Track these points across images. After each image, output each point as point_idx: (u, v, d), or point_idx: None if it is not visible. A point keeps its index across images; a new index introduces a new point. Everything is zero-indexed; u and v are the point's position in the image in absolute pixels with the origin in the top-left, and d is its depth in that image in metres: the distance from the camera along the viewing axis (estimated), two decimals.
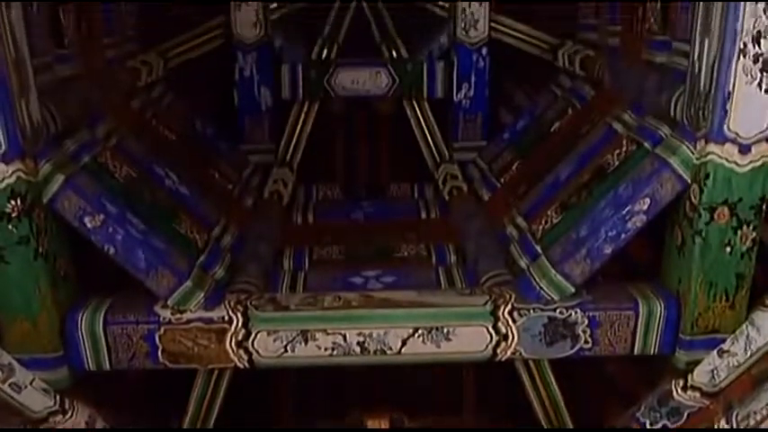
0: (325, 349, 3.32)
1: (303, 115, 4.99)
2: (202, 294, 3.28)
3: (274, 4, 4.84)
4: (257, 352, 3.31)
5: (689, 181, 3.22)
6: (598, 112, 4.17)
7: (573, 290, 3.38)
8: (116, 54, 4.25)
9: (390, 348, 3.34)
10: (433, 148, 5.04)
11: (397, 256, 4.07)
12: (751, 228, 3.19)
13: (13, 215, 2.96)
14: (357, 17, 4.95)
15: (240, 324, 3.27)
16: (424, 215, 4.71)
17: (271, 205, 4.70)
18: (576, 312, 3.35)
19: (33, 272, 3.06)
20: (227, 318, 3.27)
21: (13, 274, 3.04)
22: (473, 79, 4.93)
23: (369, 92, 4.95)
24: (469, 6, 4.79)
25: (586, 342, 3.37)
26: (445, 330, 3.33)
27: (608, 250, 3.33)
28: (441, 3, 4.90)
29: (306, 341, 3.30)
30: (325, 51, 4.96)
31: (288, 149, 4.99)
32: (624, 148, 3.66)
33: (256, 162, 4.96)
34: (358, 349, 3.32)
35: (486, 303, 3.36)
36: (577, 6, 4.80)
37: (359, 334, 3.31)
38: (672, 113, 3.38)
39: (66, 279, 3.25)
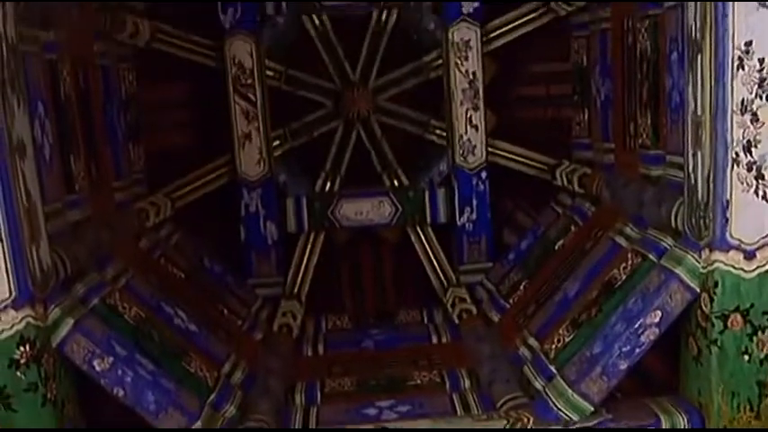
0: None
1: (309, 247, 5.04)
2: None
3: (277, 141, 5.00)
4: None
5: (698, 290, 3.22)
6: (600, 227, 4.22)
7: (592, 409, 3.31)
8: (125, 197, 4.35)
9: None
10: (440, 273, 5.06)
11: (410, 385, 4.01)
12: (767, 334, 3.16)
13: (22, 362, 2.95)
14: (357, 148, 5.09)
15: None
16: (434, 340, 4.66)
17: (280, 339, 4.67)
18: None
19: (41, 419, 3.01)
20: None
21: (21, 422, 2.99)
22: (474, 203, 5.00)
23: (373, 221, 5.03)
24: (466, 133, 4.93)
25: None
26: None
27: (623, 366, 3.29)
28: (438, 132, 5.04)
29: None
30: (328, 184, 5.06)
31: (295, 282, 5.01)
32: (630, 262, 3.67)
33: (265, 295, 4.97)
34: None
35: (504, 428, 3.28)
36: (570, 126, 4.93)
37: None
38: (673, 224, 3.42)
39: (75, 424, 3.19)
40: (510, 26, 4.89)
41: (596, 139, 4.65)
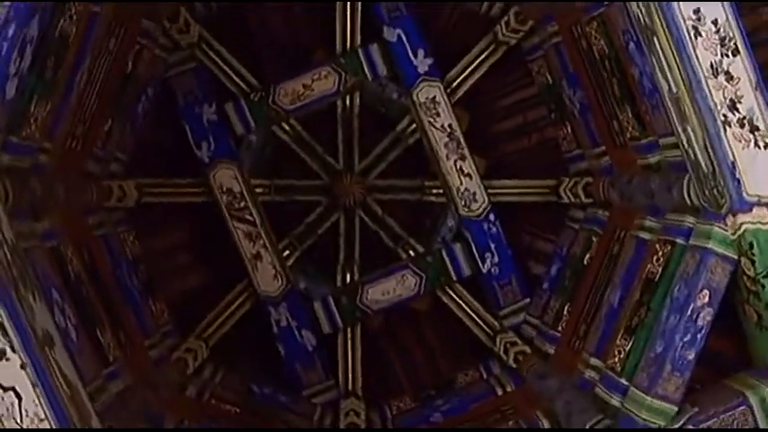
0: None
1: (349, 341, 5.00)
2: None
3: (286, 252, 5.03)
4: None
5: (735, 257, 3.18)
6: (620, 229, 4.19)
7: (675, 408, 3.23)
8: (159, 352, 4.34)
9: None
10: (483, 325, 5.00)
11: None
12: None
13: None
14: (364, 231, 5.11)
15: None
16: (500, 392, 4.59)
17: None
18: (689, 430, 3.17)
19: None
20: None
21: None
22: (492, 246, 4.99)
23: (402, 296, 5.00)
24: (462, 184, 4.95)
25: None
26: None
27: (691, 356, 3.23)
28: (435, 191, 5.07)
29: None
30: (347, 275, 5.06)
31: (347, 379, 4.95)
32: (660, 253, 3.64)
33: (323, 402, 4.91)
34: None
35: None
36: (558, 145, 4.95)
37: None
38: (688, 202, 3.40)
39: None
40: (468, 70, 4.96)
41: (586, 147, 4.67)
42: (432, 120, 4.93)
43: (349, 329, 5.00)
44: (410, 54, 4.89)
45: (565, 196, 4.90)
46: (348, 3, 4.86)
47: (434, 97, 4.92)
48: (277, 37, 5.06)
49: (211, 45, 4.83)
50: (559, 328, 4.53)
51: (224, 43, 4.85)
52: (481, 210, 4.97)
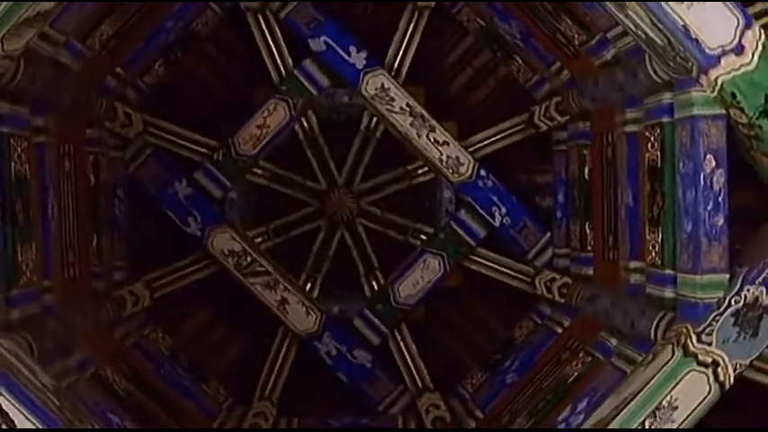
0: None
1: (401, 343, 5.01)
2: None
3: (308, 286, 5.05)
4: None
5: (723, 112, 3.16)
6: (606, 132, 4.19)
7: (727, 276, 3.22)
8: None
9: None
10: (517, 275, 4.97)
11: (572, 383, 3.98)
12: None
13: None
14: (370, 236, 5.11)
15: None
16: (559, 330, 4.61)
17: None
18: (747, 290, 3.16)
19: None
20: None
21: None
22: (495, 199, 4.98)
23: (431, 281, 4.99)
24: (442, 153, 4.94)
25: None
26: (665, 403, 3.14)
27: (720, 221, 3.25)
28: (420, 171, 5.07)
29: None
30: (373, 283, 5.07)
31: (414, 378, 4.96)
32: (652, 138, 3.65)
33: (401, 409, 4.92)
34: None
35: (674, 354, 3.19)
36: (514, 77, 4.95)
37: None
38: (659, 80, 3.39)
39: None
40: (403, 45, 4.94)
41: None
42: (389, 107, 4.92)
43: (396, 332, 5.00)
44: (343, 55, 4.89)
45: (542, 124, 4.89)
46: (267, 35, 4.86)
47: (382, 85, 4.91)
48: (214, 93, 5.06)
49: (158, 125, 4.84)
50: (589, 248, 4.52)
51: (168, 118, 4.85)
52: (470, 170, 4.96)
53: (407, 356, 5.00)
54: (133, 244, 4.81)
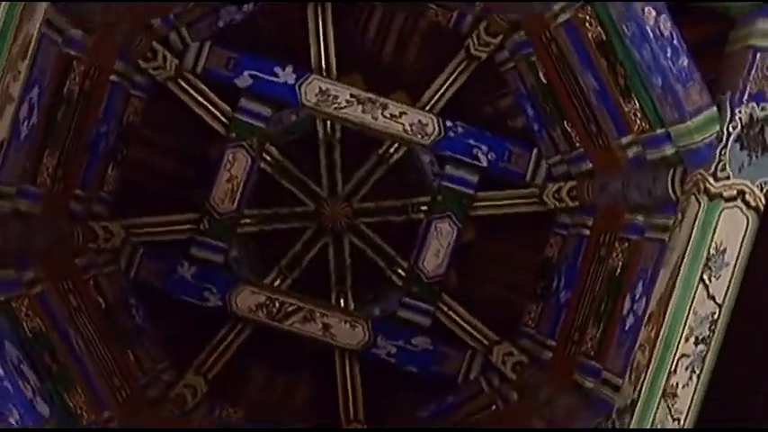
0: None
1: (451, 313, 5.03)
2: None
3: (340, 300, 5.06)
4: None
5: None
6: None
7: (714, 108, 3.22)
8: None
9: None
10: (529, 201, 4.95)
11: None
12: None
13: None
14: (371, 233, 5.13)
15: None
16: (587, 233, 4.58)
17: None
18: (739, 112, 3.17)
19: None
20: None
21: None
22: (472, 142, 4.95)
23: (450, 244, 4.97)
24: (404, 125, 4.92)
25: None
26: (713, 251, 3.16)
27: (685, 61, 3.25)
28: (391, 150, 5.06)
29: None
30: (399, 271, 5.08)
31: (478, 339, 4.98)
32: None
33: (479, 371, 4.94)
34: None
35: (700, 203, 3.20)
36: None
37: None
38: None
39: None
40: (321, 44, 4.94)
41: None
42: (335, 105, 4.92)
43: (440, 304, 5.00)
44: (271, 79, 4.87)
45: (480, 52, 4.89)
46: (195, 95, 4.86)
47: (320, 88, 4.91)
48: (171, 170, 5.04)
49: (136, 225, 4.84)
50: (578, 145, 4.53)
51: (141, 213, 4.85)
52: (436, 127, 4.95)
53: (461, 322, 5.01)
54: (166, 341, 4.82)
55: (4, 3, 2.86)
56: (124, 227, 4.80)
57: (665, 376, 3.19)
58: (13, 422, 2.91)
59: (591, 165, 4.54)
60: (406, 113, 4.94)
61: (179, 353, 4.86)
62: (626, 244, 4.02)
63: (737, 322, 3.20)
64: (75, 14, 3.60)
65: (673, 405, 3.19)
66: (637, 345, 3.33)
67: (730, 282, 3.17)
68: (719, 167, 3.16)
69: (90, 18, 3.72)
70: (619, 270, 4.01)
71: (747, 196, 3.15)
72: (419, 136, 4.95)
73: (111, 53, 4.23)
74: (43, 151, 3.78)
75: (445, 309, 5.02)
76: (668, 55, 3.22)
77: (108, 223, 4.73)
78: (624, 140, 3.93)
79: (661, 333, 3.19)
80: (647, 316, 3.34)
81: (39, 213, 3.84)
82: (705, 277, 3.17)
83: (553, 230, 4.99)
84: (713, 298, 3.17)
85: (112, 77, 4.34)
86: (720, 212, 3.16)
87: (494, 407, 4.62)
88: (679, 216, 3.31)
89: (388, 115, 4.93)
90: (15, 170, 3.45)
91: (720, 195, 3.16)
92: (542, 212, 4.95)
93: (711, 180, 3.16)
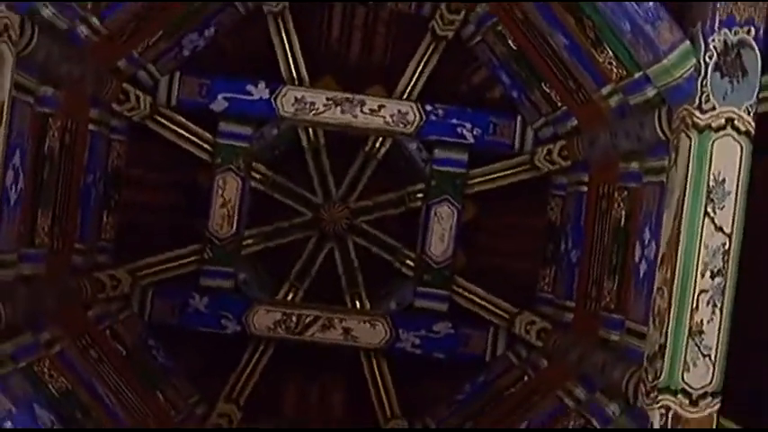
0: None
1: (467, 294, 5.03)
2: None
3: (356, 303, 5.06)
4: None
5: None
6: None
7: (687, 42, 3.20)
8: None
9: None
10: (524, 167, 4.94)
11: None
12: None
13: None
14: (363, 246, 5.12)
15: None
16: (585, 185, 4.58)
17: None
18: (713, 41, 3.16)
19: None
20: None
21: None
22: (454, 122, 4.95)
23: (452, 227, 4.99)
24: (384, 118, 4.92)
25: None
26: (712, 183, 3.16)
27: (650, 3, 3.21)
28: (377, 145, 5.05)
29: None
30: (408, 262, 5.08)
31: (502, 316, 4.98)
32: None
33: (506, 344, 4.95)
34: None
35: (690, 138, 3.19)
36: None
37: None
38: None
39: None
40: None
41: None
42: (314, 111, 4.91)
43: (454, 287, 5.01)
44: (246, 98, 4.88)
45: (446, 31, 4.88)
46: (175, 129, 4.86)
47: (295, 97, 4.90)
48: (165, 204, 5.03)
49: (141, 266, 4.85)
50: (559, 104, 4.54)
51: (145, 254, 4.85)
52: (416, 114, 4.95)
53: (478, 300, 5.02)
54: (192, 375, 4.82)
55: None
56: (130, 271, 4.80)
57: (689, 315, 3.19)
58: None
59: (576, 121, 4.54)
60: (384, 106, 4.94)
61: (207, 384, 4.86)
62: (625, 193, 4.02)
63: (751, 248, 3.20)
64: (42, 72, 3.60)
65: (701, 342, 3.19)
66: (654, 289, 3.33)
67: (735, 210, 3.17)
68: (703, 99, 3.16)
69: (56, 71, 3.72)
70: (623, 220, 4.01)
71: (736, 122, 3.15)
72: (402, 126, 4.95)
73: (84, 103, 4.23)
74: (36, 212, 3.78)
75: (460, 290, 5.03)
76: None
77: (113, 271, 4.73)
78: (604, 91, 3.93)
79: (676, 273, 3.19)
80: (659, 259, 3.34)
81: (43, 274, 3.84)
82: (709, 210, 3.17)
83: (551, 193, 4.99)
84: (721, 229, 3.17)
85: (90, 127, 4.35)
86: (713, 143, 3.16)
87: (525, 377, 4.61)
88: (672, 155, 3.31)
89: (368, 111, 4.93)
90: (11, 236, 3.45)
91: (709, 126, 3.15)
92: (538, 177, 4.96)
93: (698, 113, 3.16)
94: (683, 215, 3.19)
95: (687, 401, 3.19)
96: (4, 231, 3.32)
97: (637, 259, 3.72)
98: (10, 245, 3.45)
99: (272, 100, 4.88)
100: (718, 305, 3.18)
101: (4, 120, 3.08)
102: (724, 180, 3.17)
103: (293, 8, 4.91)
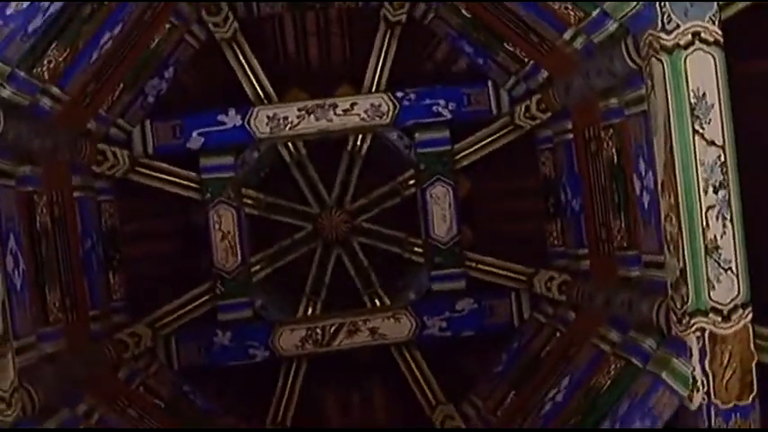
0: None
1: (482, 265, 5.04)
2: None
3: (375, 300, 5.07)
4: None
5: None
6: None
7: None
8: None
9: None
10: (510, 127, 4.93)
11: None
12: None
13: None
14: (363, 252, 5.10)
15: None
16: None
17: None
18: None
19: None
20: None
21: None
22: (429, 102, 4.93)
23: (449, 202, 4.99)
24: (359, 115, 4.91)
25: None
26: (693, 101, 3.15)
27: None
28: (357, 146, 5.04)
29: None
30: (416, 250, 5.09)
31: (522, 279, 5.00)
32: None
33: (530, 302, 4.98)
34: None
35: (662, 61, 3.18)
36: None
37: None
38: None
39: None
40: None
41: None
42: (288, 125, 4.92)
43: (467, 263, 5.01)
44: (220, 129, 4.87)
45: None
46: (160, 176, 4.87)
47: (267, 116, 4.90)
48: (165, 253, 5.03)
49: (157, 318, 4.84)
50: (526, 60, 4.52)
51: (158, 306, 4.85)
52: (389, 103, 4.94)
53: (493, 270, 5.04)
54: (234, 410, 4.83)
55: None
56: (148, 325, 4.80)
57: (701, 234, 3.20)
58: None
59: (546, 72, 4.54)
60: (356, 103, 4.93)
61: (251, 415, 4.87)
62: (611, 130, 4.03)
63: (746, 156, 3.20)
64: (16, 153, 3.60)
65: (719, 257, 3.21)
66: (662, 217, 3.34)
67: (722, 121, 3.18)
68: (665, 20, 3.16)
69: (30, 148, 3.72)
70: (615, 157, 4.01)
71: (703, 35, 3.15)
72: (378, 118, 4.95)
73: (65, 172, 4.23)
74: (44, 290, 3.79)
75: (473, 265, 5.03)
76: None
77: (132, 328, 4.73)
78: (567, 36, 3.92)
79: (680, 196, 3.20)
80: (659, 187, 3.34)
81: (65, 349, 3.84)
82: (697, 127, 3.17)
83: (539, 148, 4.99)
84: (713, 143, 3.18)
85: (76, 194, 4.35)
86: (685, 61, 3.16)
87: (557, 334, 4.61)
88: (648, 82, 3.31)
89: (341, 112, 4.93)
90: (26, 320, 3.45)
91: (678, 45, 3.15)
92: (523, 136, 4.95)
93: (663, 35, 3.16)
94: (673, 138, 3.20)
95: (719, 318, 3.20)
96: (17, 317, 3.32)
97: (638, 192, 3.72)
98: (26, 329, 3.46)
99: (246, 124, 4.87)
100: (728, 217, 3.18)
101: None
102: (704, 94, 3.17)
103: (244, 30, 4.89)
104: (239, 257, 4.92)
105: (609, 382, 3.69)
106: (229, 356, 4.86)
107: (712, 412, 3.23)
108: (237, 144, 4.91)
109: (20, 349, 3.27)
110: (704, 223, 3.18)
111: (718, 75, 3.17)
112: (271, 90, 4.94)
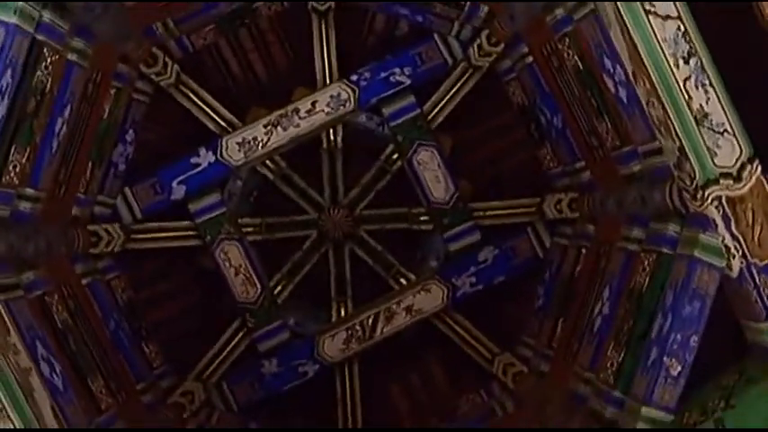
0: None
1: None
2: None
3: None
4: None
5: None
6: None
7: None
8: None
9: None
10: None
11: None
12: None
13: None
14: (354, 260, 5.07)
15: None
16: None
17: None
18: None
19: None
20: None
21: None
22: (383, 75, 4.92)
23: (442, 171, 4.97)
24: (323, 111, 4.90)
25: None
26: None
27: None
28: (330, 138, 5.04)
29: None
30: (422, 216, 5.11)
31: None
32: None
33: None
34: None
35: None
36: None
37: None
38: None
39: None
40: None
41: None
42: (260, 143, 4.91)
43: (474, 214, 5.00)
44: (198, 171, 4.86)
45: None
46: (152, 238, 4.86)
47: (237, 143, 4.89)
48: (183, 308, 5.04)
49: (201, 371, 4.86)
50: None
51: (191, 359, 4.87)
52: (347, 90, 4.89)
53: (502, 212, 5.03)
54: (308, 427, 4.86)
55: None
56: (195, 379, 4.82)
57: (686, 106, 3.20)
58: None
59: (486, 7, 4.53)
60: (316, 101, 4.92)
61: (322, 429, 4.90)
62: (566, 39, 4.03)
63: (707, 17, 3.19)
64: (14, 262, 3.58)
65: (711, 123, 3.21)
66: (644, 104, 3.33)
67: None
68: None
69: (25, 254, 3.71)
70: (579, 63, 4.01)
71: None
72: (341, 108, 4.93)
73: (66, 266, 4.23)
74: (86, 383, 3.84)
75: (481, 214, 5.03)
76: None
77: (182, 388, 4.75)
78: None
79: (653, 79, 3.19)
80: (632, 77, 3.34)
81: (125, 428, 3.86)
82: (648, 7, 3.16)
83: (504, 81, 4.97)
84: (668, 17, 3.16)
85: (84, 281, 4.36)
86: None
87: (583, 250, 4.61)
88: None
89: (305, 114, 4.92)
90: (78, 416, 3.53)
91: None
92: (485, 76, 4.93)
93: None
94: (628, 26, 3.19)
95: (731, 181, 3.21)
96: (69, 416, 3.36)
97: (613, 89, 3.72)
98: (81, 422, 3.49)
99: (220, 157, 4.87)
100: (707, 82, 3.18)
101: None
102: None
103: (186, 69, 4.89)
104: (258, 286, 4.93)
105: (647, 278, 3.70)
106: (283, 381, 4.88)
107: (754, 272, 3.24)
108: (218, 179, 4.91)
109: None
110: (686, 96, 3.17)
111: None
112: (231, 117, 4.93)
